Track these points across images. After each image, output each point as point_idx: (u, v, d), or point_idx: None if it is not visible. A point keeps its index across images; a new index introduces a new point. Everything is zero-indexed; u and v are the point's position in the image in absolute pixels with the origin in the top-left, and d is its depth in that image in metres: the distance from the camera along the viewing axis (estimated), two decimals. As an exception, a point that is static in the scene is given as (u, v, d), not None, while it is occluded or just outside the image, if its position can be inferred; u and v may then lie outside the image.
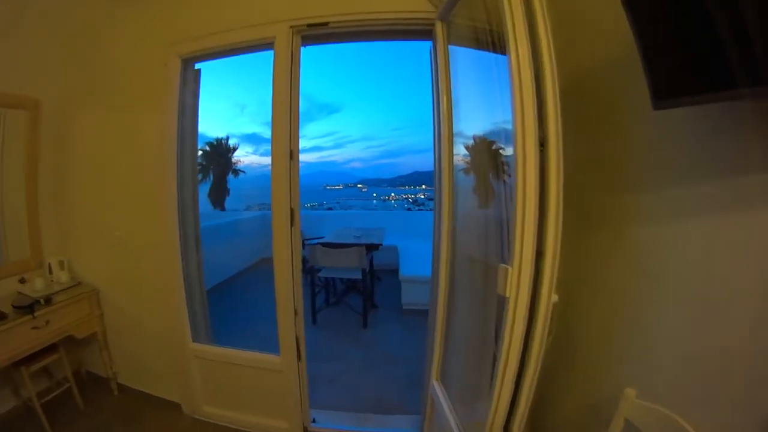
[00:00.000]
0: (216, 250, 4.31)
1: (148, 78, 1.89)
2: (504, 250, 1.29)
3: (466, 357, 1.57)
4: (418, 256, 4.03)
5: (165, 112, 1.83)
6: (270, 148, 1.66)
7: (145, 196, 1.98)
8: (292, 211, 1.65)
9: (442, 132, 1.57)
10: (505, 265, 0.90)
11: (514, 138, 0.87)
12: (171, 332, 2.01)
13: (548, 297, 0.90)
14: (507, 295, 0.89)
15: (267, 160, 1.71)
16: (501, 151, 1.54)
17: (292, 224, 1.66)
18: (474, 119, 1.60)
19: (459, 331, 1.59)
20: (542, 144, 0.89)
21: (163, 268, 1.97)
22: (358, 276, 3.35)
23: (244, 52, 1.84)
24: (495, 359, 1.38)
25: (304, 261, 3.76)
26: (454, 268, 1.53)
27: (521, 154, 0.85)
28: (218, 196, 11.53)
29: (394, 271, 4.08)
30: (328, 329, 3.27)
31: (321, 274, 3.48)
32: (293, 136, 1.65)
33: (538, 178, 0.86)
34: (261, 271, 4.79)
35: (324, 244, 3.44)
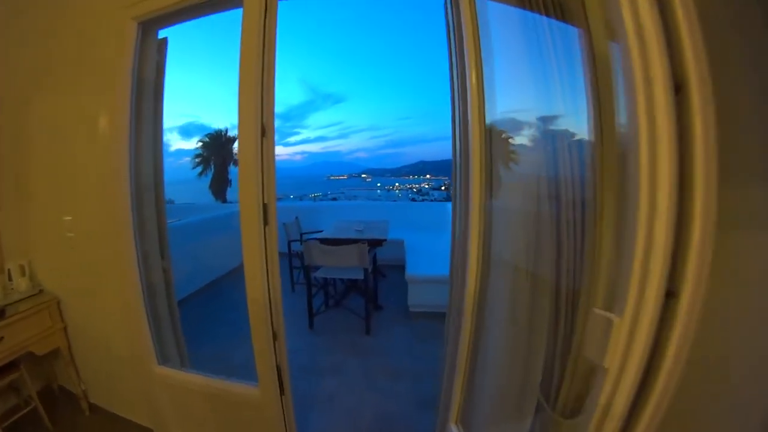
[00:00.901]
0: (211, 245, 3.99)
1: (101, 51, 1.54)
2: (562, 266, 0.89)
3: (499, 399, 1.19)
4: (425, 251, 3.67)
5: (115, 88, 1.47)
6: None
7: (101, 191, 1.61)
8: (265, 206, 1.24)
9: (470, 107, 1.10)
10: (606, 313, 0.48)
11: (627, 72, 0.45)
12: (135, 353, 1.68)
13: (676, 368, 0.49)
14: (606, 365, 0.49)
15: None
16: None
17: (266, 223, 1.26)
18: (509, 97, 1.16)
19: (488, 361, 1.20)
20: (677, 89, 0.47)
21: (120, 278, 1.61)
22: (360, 276, 2.97)
23: (213, 11, 1.47)
24: (539, 410, 1.00)
25: (301, 258, 3.39)
26: (486, 282, 1.12)
27: (641, 104, 0.44)
28: (219, 187, 11.22)
29: (400, 267, 3.70)
30: (327, 335, 2.92)
31: (318, 274, 3.10)
32: (267, 108, 1.24)
33: (677, 149, 0.44)
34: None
35: (322, 240, 3.05)
